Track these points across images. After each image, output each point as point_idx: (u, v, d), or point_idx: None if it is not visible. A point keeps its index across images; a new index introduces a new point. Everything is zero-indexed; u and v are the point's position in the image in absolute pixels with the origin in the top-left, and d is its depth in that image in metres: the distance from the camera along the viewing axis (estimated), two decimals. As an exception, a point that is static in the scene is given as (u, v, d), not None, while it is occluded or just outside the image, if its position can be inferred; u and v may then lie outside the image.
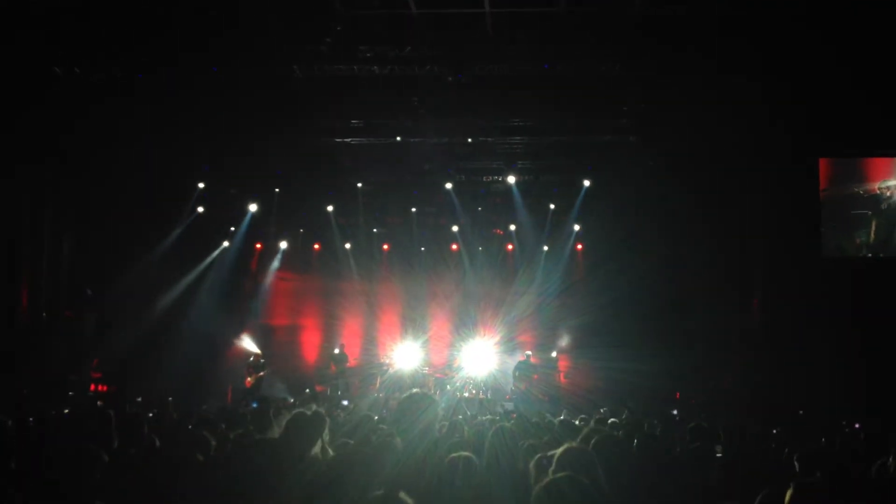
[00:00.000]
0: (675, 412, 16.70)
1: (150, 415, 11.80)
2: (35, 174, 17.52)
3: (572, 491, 3.34)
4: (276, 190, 21.01)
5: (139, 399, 16.09)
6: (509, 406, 17.92)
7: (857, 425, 9.81)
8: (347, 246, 23.26)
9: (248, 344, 21.94)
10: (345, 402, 11.73)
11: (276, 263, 23.41)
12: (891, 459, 5.75)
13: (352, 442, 6.15)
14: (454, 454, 4.39)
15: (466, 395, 19.70)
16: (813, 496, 3.87)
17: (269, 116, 17.98)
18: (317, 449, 5.30)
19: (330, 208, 21.99)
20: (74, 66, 15.29)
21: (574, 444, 4.45)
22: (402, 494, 2.98)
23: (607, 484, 3.93)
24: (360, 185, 20.84)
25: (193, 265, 21.44)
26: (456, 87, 15.43)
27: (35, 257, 17.71)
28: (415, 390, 4.92)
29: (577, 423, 9.70)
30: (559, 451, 4.31)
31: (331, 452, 5.47)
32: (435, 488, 3.96)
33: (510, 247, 23.40)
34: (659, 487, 5.01)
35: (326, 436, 5.52)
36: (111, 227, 18.87)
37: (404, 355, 21.60)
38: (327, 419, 5.49)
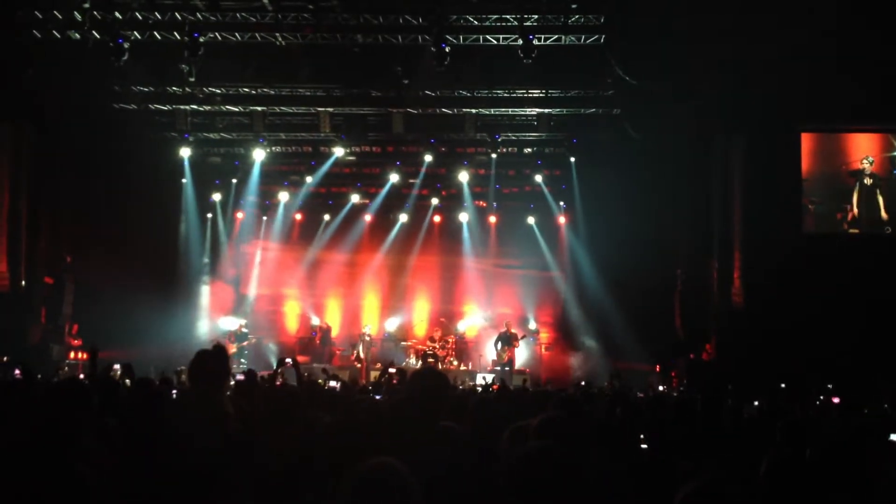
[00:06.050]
0: (661, 388, 16.85)
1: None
2: (12, 139, 17.31)
3: (550, 459, 3.35)
4: (259, 159, 20.74)
5: (117, 367, 16.00)
6: (491, 377, 18.00)
7: (835, 399, 9.92)
8: (327, 217, 23.15)
9: (230, 313, 21.87)
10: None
11: (260, 233, 23.28)
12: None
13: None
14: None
15: (448, 365, 19.81)
16: (785, 466, 3.89)
17: (251, 84, 17.85)
18: None
19: (309, 179, 21.82)
20: (53, 27, 15.10)
21: (551, 413, 4.47)
22: (392, 461, 2.98)
23: (585, 453, 3.95)
24: (342, 154, 20.65)
25: (176, 233, 21.30)
26: (439, 57, 15.30)
27: (13, 224, 17.53)
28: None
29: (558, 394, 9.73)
30: (536, 421, 4.33)
31: None
32: (420, 457, 3.96)
33: (493, 219, 23.34)
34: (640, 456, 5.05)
35: None
36: (91, 194, 18.66)
37: (386, 327, 21.65)
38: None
